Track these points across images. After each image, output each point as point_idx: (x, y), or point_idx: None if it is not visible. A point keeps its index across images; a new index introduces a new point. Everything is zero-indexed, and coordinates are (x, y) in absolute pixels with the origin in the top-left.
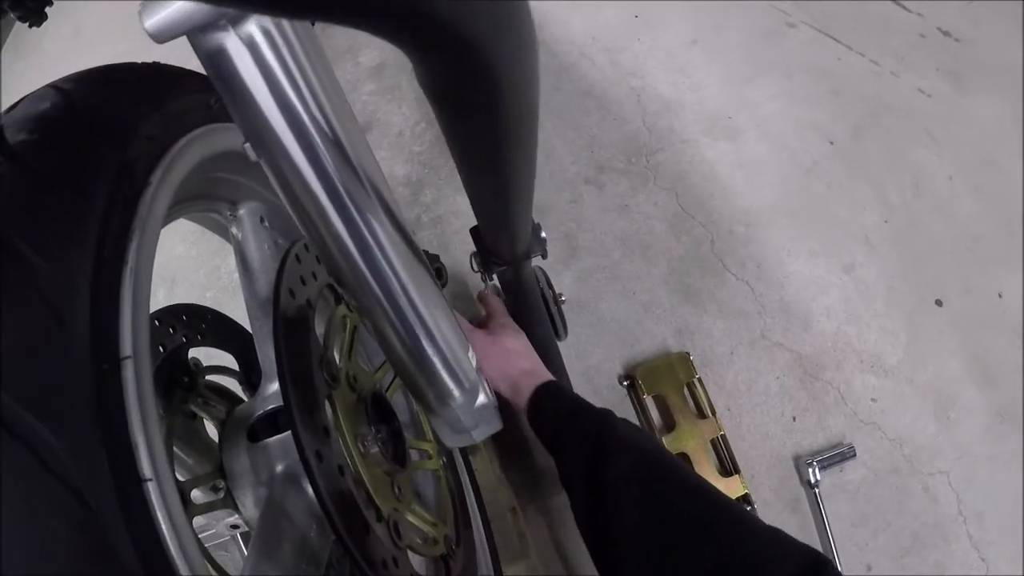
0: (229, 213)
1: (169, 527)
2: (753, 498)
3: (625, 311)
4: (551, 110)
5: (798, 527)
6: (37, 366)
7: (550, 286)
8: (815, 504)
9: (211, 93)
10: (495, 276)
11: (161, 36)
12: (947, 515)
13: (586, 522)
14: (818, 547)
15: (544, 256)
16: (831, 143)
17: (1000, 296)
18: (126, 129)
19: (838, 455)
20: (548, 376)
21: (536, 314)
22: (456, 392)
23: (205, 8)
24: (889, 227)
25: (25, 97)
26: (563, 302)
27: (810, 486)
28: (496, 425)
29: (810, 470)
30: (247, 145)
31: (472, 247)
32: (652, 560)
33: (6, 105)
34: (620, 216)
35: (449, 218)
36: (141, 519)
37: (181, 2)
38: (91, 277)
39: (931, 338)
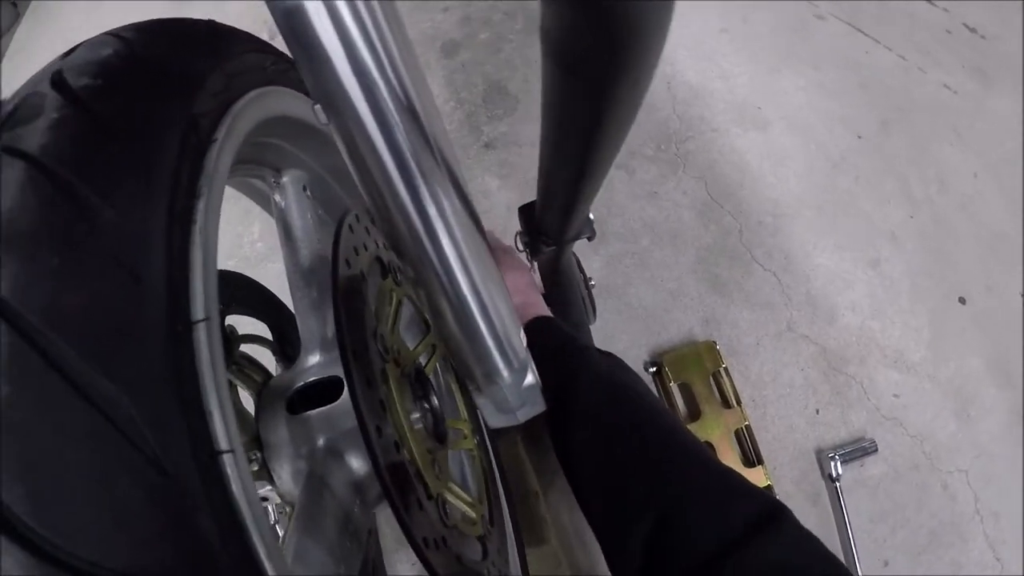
0: (273, 180)
1: (244, 499)
2: (776, 490)
3: (653, 298)
4: None
5: (818, 521)
6: (113, 326)
7: (581, 270)
8: (836, 498)
9: (266, 55)
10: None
11: None
12: (964, 514)
13: (560, 458)
14: (836, 542)
15: (590, 238)
16: (859, 137)
17: (1023, 296)
18: (193, 82)
19: (860, 450)
20: (540, 311)
21: (572, 298)
22: (505, 371)
23: None
24: (914, 223)
25: (81, 43)
26: (593, 286)
27: (831, 480)
28: (540, 406)
29: (832, 464)
30: (317, 107)
31: (498, 209)
32: (607, 497)
33: (30, 71)
34: (649, 203)
35: (478, 199)
36: (217, 491)
37: None
38: (165, 233)
39: (954, 336)
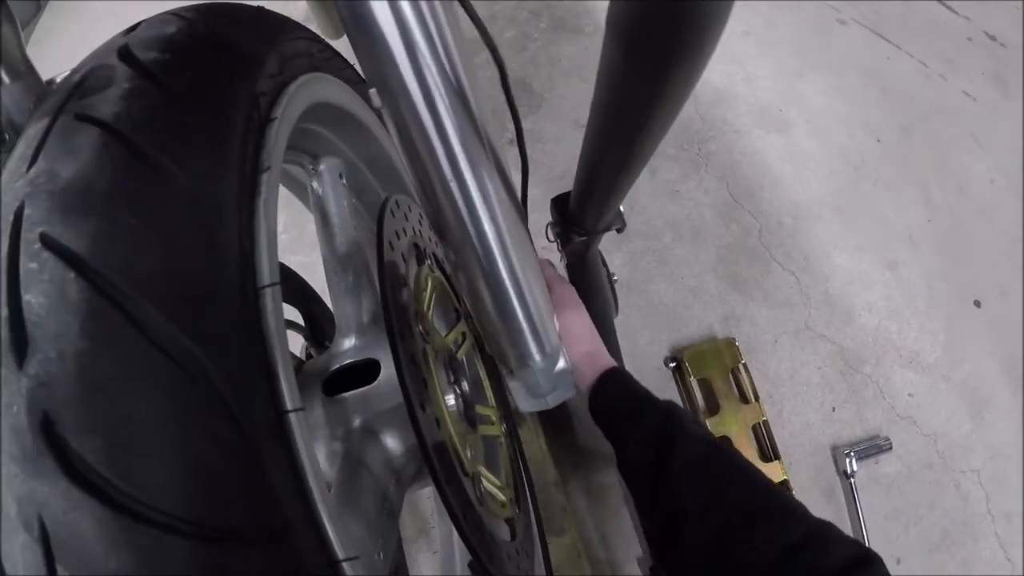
0: (311, 167)
1: (306, 458)
2: (791, 484)
3: (673, 295)
4: None
5: (833, 516)
6: (191, 286)
7: (605, 265)
8: (850, 495)
9: (312, 42)
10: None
11: None
12: (976, 513)
13: (649, 507)
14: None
15: (620, 231)
16: (879, 141)
17: None
18: (254, 62)
19: (875, 447)
20: (610, 361)
21: (599, 290)
22: (538, 355)
23: None
24: (932, 227)
25: (142, 21)
26: (616, 281)
27: (846, 476)
28: (570, 391)
29: (847, 460)
30: (372, 91)
31: (538, 220)
32: (716, 542)
33: (56, 56)
34: (671, 201)
35: None
36: (284, 449)
37: None
38: (235, 202)
39: (969, 338)
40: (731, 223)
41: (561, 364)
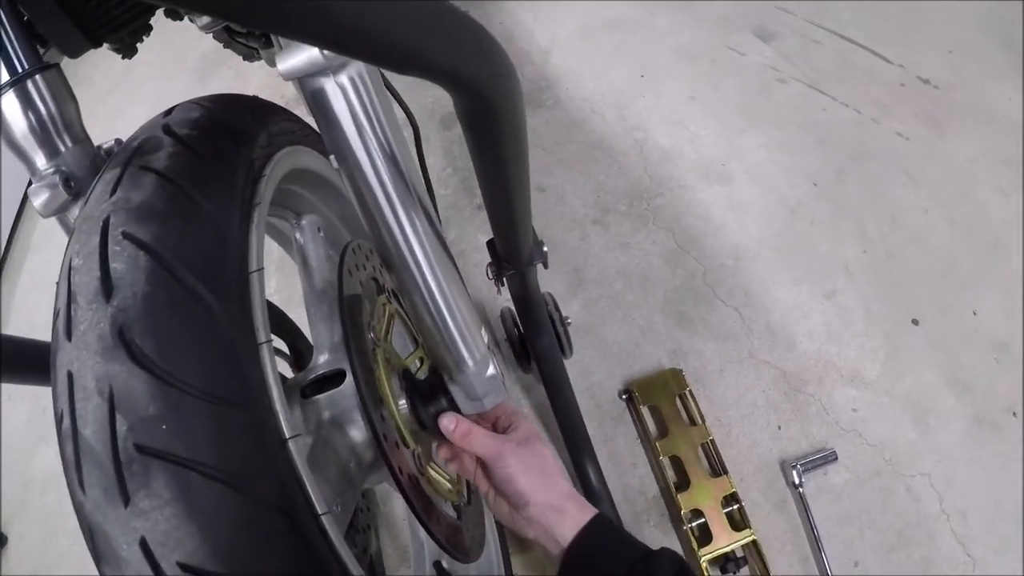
0: (295, 221)
1: (269, 369)
2: (741, 497)
3: (625, 335)
4: (563, 160)
5: (787, 526)
6: (214, 263)
7: (558, 309)
8: (801, 504)
9: (294, 123)
10: (506, 286)
11: (288, 76)
12: (930, 513)
13: None
14: (806, 545)
15: (545, 266)
16: (815, 184)
17: (975, 313)
18: (251, 137)
19: (820, 458)
20: (587, 503)
21: (543, 324)
22: (470, 362)
23: (319, 61)
24: (868, 257)
25: (176, 106)
26: (569, 324)
27: (795, 487)
28: (503, 395)
29: (794, 472)
30: (332, 156)
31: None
32: None
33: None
34: (622, 252)
35: (471, 252)
36: (254, 351)
37: (307, 55)
38: (238, 222)
39: (909, 354)
40: (677, 268)
41: (491, 370)
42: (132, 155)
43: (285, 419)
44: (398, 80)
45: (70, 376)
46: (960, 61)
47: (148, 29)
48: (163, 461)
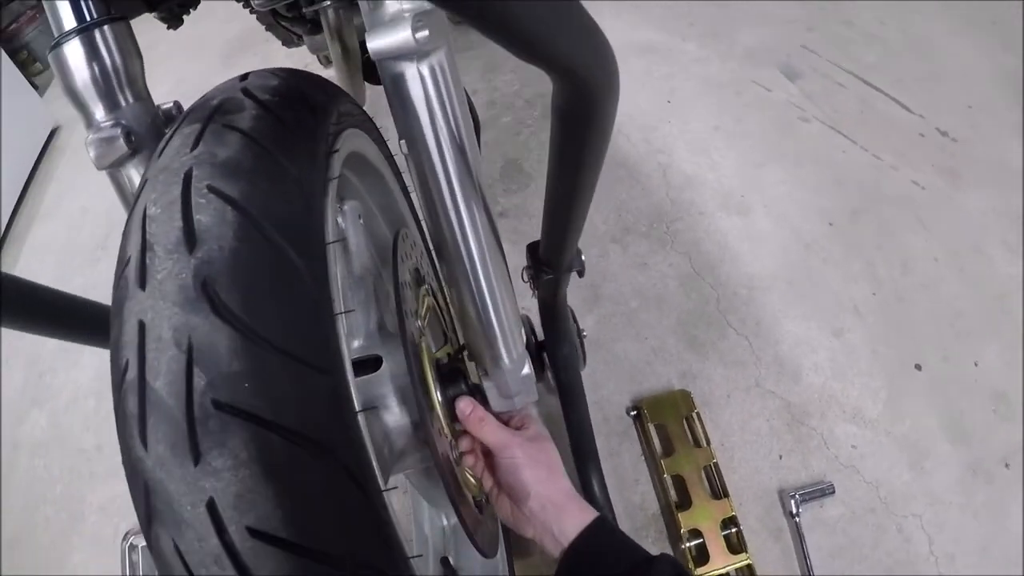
0: (339, 205)
1: (343, 340)
2: (740, 521)
3: (637, 353)
4: None
5: (781, 554)
6: (301, 226)
7: (575, 320)
8: (796, 534)
9: (356, 106)
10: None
11: (379, 55)
12: (919, 554)
13: None
14: (798, 573)
15: (581, 274)
16: (830, 224)
17: (976, 364)
18: (327, 112)
19: (818, 491)
20: (591, 506)
21: (566, 332)
22: (507, 359)
23: (411, 45)
24: (877, 299)
25: (251, 72)
26: (585, 336)
27: (792, 516)
28: (533, 395)
29: (792, 502)
30: (402, 142)
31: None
32: None
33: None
34: (640, 272)
35: None
36: (323, 274)
37: (402, 36)
38: (320, 188)
39: (910, 397)
40: (692, 292)
41: (526, 370)
42: (213, 112)
43: (356, 391)
44: None
45: (142, 325)
46: (979, 117)
47: (196, 1)
48: (243, 420)
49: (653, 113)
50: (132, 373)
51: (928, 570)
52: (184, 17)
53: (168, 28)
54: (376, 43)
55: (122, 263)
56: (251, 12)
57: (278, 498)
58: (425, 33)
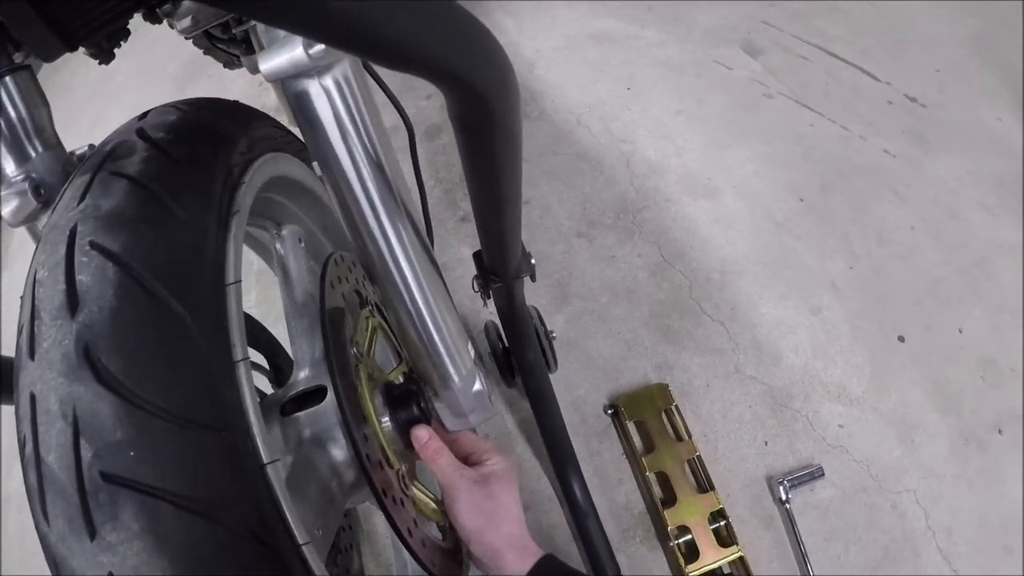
0: (275, 232)
1: (247, 389)
2: (728, 513)
3: (610, 349)
4: (549, 172)
5: (773, 542)
6: (188, 274)
7: (542, 323)
8: (787, 520)
9: (276, 128)
10: (491, 299)
11: (272, 76)
12: (916, 530)
13: None
14: (792, 561)
15: (533, 279)
16: (801, 200)
17: (960, 331)
18: (229, 143)
19: (807, 474)
20: (536, 547)
21: (528, 338)
22: (456, 377)
23: (305, 62)
24: (854, 273)
25: (152, 109)
26: (554, 338)
27: (782, 503)
28: (489, 411)
29: (781, 488)
30: (315, 163)
31: (473, 274)
32: None
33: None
34: (608, 266)
35: (454, 265)
36: (231, 372)
37: (292, 55)
38: (214, 231)
39: (894, 370)
40: (663, 282)
41: (478, 386)
42: (104, 160)
43: (263, 443)
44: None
45: (33, 398)
46: (947, 80)
47: (126, 34)
48: (131, 490)
49: (613, 102)
50: (29, 447)
51: (926, 545)
52: (116, 51)
53: (100, 63)
54: (268, 64)
55: (18, 331)
56: (186, 38)
57: (175, 568)
58: (320, 47)
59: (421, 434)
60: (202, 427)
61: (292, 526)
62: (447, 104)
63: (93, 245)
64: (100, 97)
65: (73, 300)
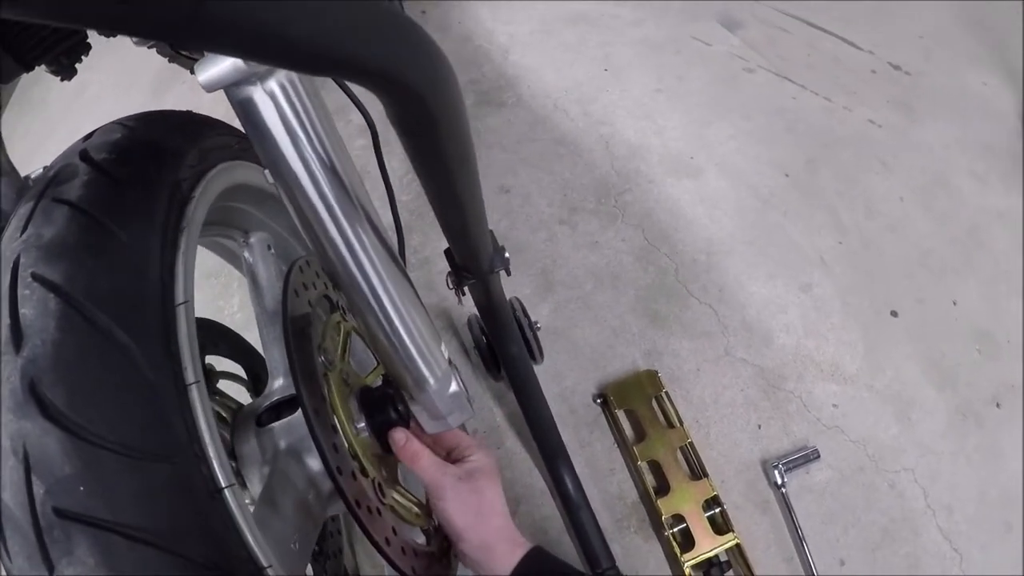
0: (242, 240)
1: (202, 412)
2: (723, 500)
3: (597, 337)
4: (526, 160)
5: (770, 527)
6: (132, 300)
7: (526, 314)
8: (784, 505)
9: (233, 136)
10: (468, 293)
11: (210, 87)
12: (915, 509)
13: None
14: (790, 545)
15: (508, 272)
16: (786, 175)
17: (954, 303)
18: (177, 157)
19: (802, 457)
20: (524, 540)
21: (510, 332)
22: (431, 380)
23: (243, 68)
24: (843, 247)
25: (97, 129)
26: (539, 329)
27: (778, 487)
28: (468, 413)
29: (776, 472)
30: (267, 171)
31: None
32: None
33: (17, 159)
34: (591, 252)
35: (435, 259)
36: (183, 398)
37: (228, 63)
38: (159, 251)
39: (888, 346)
40: (648, 266)
41: (454, 387)
42: (46, 186)
43: (220, 466)
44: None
45: None
46: (932, 46)
47: (86, 48)
48: (83, 525)
49: (590, 84)
50: None
51: (926, 524)
52: (77, 66)
53: (62, 80)
54: (205, 74)
55: None
56: (148, 48)
57: None
58: None
59: (398, 437)
60: (151, 456)
61: (255, 551)
62: (384, 108)
63: (35, 277)
64: (74, 111)
65: (17, 335)
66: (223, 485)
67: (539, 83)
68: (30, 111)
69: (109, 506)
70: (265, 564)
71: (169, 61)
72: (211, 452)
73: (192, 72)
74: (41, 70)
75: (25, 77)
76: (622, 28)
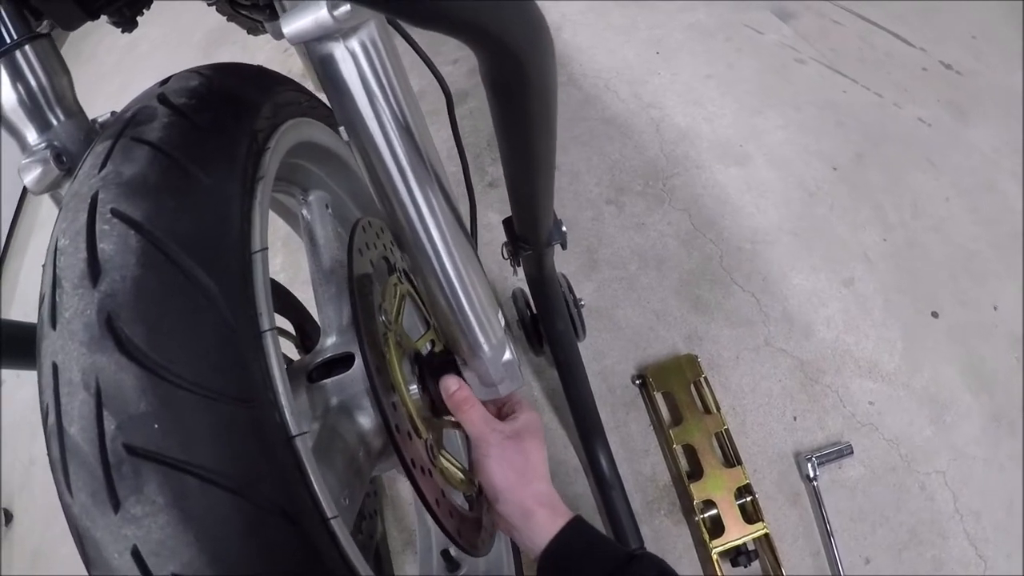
0: (301, 198)
1: (274, 360)
2: (755, 489)
3: (639, 318)
4: (576, 138)
5: (799, 520)
6: (213, 243)
7: (571, 291)
8: (814, 498)
9: (301, 94)
10: (522, 267)
11: (295, 39)
12: (944, 512)
13: None
14: (818, 539)
15: (564, 246)
16: (834, 168)
17: (995, 308)
18: (254, 107)
19: (836, 452)
20: (566, 508)
21: (558, 308)
22: (486, 346)
23: (328, 24)
24: (888, 245)
25: (173, 75)
26: (583, 306)
27: (809, 480)
28: (519, 381)
29: (809, 465)
30: (342, 128)
31: (502, 240)
32: None
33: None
34: (637, 233)
35: (481, 232)
36: (258, 341)
37: (312, 17)
38: (239, 198)
39: (927, 347)
40: (693, 251)
41: (508, 356)
42: (124, 126)
43: (291, 415)
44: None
45: (55, 368)
46: (983, 47)
47: (148, 1)
48: (155, 463)
49: (641, 66)
50: (52, 418)
51: (953, 529)
52: (139, 19)
53: (123, 32)
54: (290, 26)
55: (40, 301)
56: (209, 4)
57: (200, 543)
58: (345, 8)
59: (450, 383)
60: (229, 399)
61: (320, 500)
62: (479, 65)
63: (115, 213)
64: (125, 65)
65: (95, 269)
66: (295, 433)
67: (590, 63)
68: (79, 66)
69: (184, 446)
70: (330, 515)
71: (228, 20)
72: (284, 400)
73: (250, 32)
74: (97, 24)
75: (75, 32)
76: (673, 12)
